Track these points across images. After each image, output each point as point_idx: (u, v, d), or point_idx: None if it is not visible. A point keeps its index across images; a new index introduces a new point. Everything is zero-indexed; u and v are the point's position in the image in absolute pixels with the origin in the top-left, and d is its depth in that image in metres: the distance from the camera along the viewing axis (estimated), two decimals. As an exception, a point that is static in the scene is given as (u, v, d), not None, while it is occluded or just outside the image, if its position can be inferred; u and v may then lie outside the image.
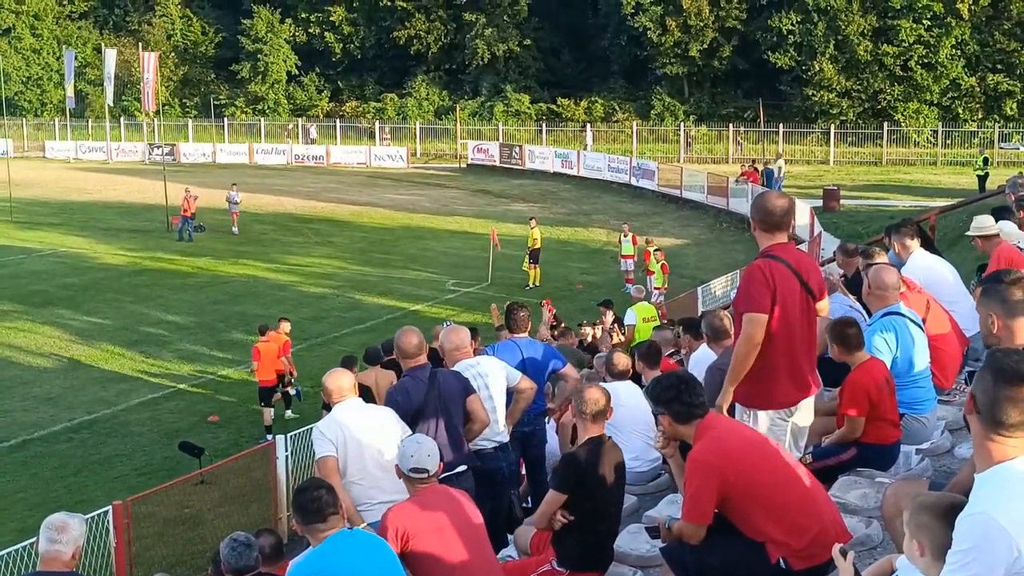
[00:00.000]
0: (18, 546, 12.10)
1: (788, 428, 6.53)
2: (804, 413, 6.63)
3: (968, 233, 10.03)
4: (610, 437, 6.62)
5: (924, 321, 8.24)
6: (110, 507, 13.55)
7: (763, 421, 6.31)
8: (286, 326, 22.34)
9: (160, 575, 8.48)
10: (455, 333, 8.86)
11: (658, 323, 18.22)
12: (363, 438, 7.27)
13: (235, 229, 42.36)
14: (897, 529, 4.68)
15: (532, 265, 33.31)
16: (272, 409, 20.76)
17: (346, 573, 5.01)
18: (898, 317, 7.93)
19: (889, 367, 7.63)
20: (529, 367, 9.49)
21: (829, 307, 9.43)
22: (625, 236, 33.41)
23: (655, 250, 31.04)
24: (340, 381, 7.55)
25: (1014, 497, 3.59)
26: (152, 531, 15.27)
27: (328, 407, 7.64)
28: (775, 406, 6.38)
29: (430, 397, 7.85)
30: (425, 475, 5.99)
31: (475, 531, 5.95)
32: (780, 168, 49.25)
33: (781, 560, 5.34)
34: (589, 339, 19.58)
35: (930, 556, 3.84)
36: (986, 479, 3.70)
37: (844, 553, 4.28)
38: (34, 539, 6.58)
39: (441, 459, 6.27)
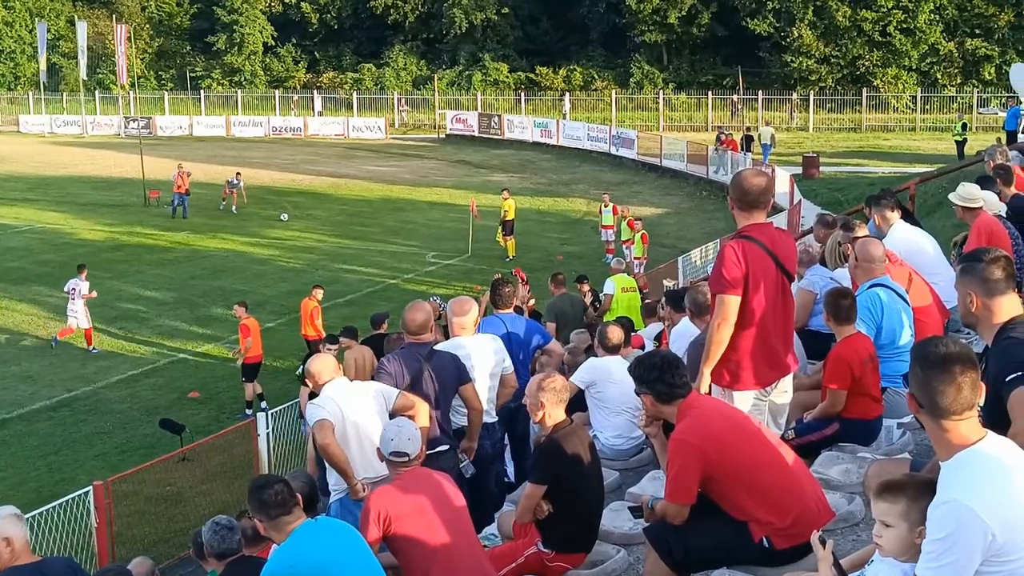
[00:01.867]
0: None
1: (766, 407, 6.53)
2: (781, 392, 6.62)
3: (951, 197, 9.99)
4: (573, 420, 6.61)
5: (906, 293, 8.24)
6: (91, 488, 13.52)
7: (739, 401, 6.29)
8: (319, 293, 22.39)
9: (139, 559, 8.39)
10: (462, 305, 8.83)
11: (636, 293, 18.24)
12: (358, 418, 7.38)
13: (233, 208, 41.76)
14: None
15: (506, 237, 33.20)
16: (252, 385, 20.62)
17: (322, 562, 4.96)
18: (883, 289, 7.94)
19: (873, 339, 7.64)
20: (514, 342, 9.48)
21: (808, 279, 9.49)
22: (606, 206, 33.37)
23: (635, 219, 31.00)
24: (323, 364, 7.66)
25: (982, 481, 3.61)
26: (134, 509, 15.27)
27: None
28: (749, 387, 6.37)
29: (422, 375, 7.85)
30: (406, 459, 6.01)
31: (456, 513, 5.94)
32: (764, 135, 49.09)
33: (764, 539, 5.34)
34: None
35: None
36: (951, 466, 3.73)
37: (823, 541, 4.26)
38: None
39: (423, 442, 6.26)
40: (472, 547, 6.01)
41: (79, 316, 24.89)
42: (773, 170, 38.22)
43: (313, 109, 70.96)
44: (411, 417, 7.33)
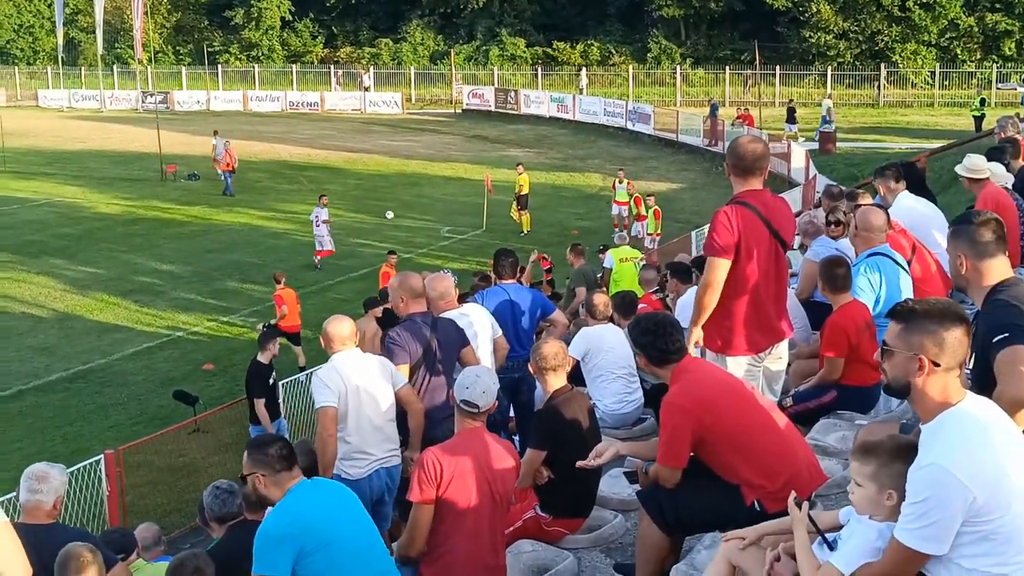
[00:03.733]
0: (11, 495, 12.20)
1: (760, 373, 6.56)
2: (776, 358, 6.65)
3: (957, 169, 9.99)
4: (573, 386, 6.66)
5: (909, 263, 8.24)
6: (102, 456, 13.65)
7: (732, 367, 6.33)
8: (394, 259, 23.89)
9: (146, 524, 8.48)
10: (440, 281, 8.85)
11: (636, 262, 18.25)
12: (362, 391, 7.25)
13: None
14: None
15: (521, 211, 33.19)
16: (300, 349, 20.96)
17: (319, 519, 5.01)
18: (883, 258, 7.94)
19: (872, 308, 7.65)
20: (518, 313, 9.53)
21: (813, 250, 9.51)
22: (620, 182, 33.30)
23: (647, 196, 30.93)
24: (341, 329, 7.39)
25: (962, 443, 3.62)
26: (147, 480, 15.41)
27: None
28: (741, 352, 6.42)
29: (431, 343, 7.88)
30: (475, 411, 5.82)
31: (494, 477, 5.78)
32: (823, 107, 49.00)
33: (756, 502, 5.37)
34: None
35: (898, 502, 3.85)
36: (932, 428, 3.75)
37: (799, 504, 4.30)
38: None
39: (495, 398, 6.06)
40: (496, 517, 5.88)
41: (324, 240, 29.07)
42: (790, 145, 38.14)
43: (360, 85, 70.45)
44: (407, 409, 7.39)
